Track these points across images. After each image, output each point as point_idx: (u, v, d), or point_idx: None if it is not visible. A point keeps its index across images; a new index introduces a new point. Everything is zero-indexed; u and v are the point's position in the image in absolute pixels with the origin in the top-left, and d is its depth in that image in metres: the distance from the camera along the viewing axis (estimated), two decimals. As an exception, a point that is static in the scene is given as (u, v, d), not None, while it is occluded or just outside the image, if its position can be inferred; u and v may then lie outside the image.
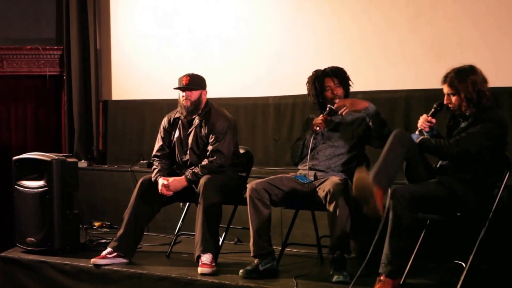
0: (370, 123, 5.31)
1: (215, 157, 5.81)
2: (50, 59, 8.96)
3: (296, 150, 5.69)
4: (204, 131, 5.93)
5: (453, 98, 4.81)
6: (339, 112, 5.34)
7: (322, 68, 5.68)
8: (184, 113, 5.99)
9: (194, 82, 5.94)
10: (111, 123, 8.91)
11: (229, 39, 7.99)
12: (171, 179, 5.81)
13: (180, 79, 5.97)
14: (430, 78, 6.34)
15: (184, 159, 6.01)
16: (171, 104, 8.09)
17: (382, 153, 4.73)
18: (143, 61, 8.61)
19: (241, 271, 5.29)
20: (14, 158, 6.60)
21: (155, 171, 5.96)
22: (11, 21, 8.89)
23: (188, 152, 5.99)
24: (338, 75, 5.61)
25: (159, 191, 5.81)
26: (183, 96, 5.96)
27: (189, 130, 6.01)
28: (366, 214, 4.64)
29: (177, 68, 8.12)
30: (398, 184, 4.79)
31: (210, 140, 5.88)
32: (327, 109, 5.53)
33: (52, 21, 9.09)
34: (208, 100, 6.05)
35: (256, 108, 7.61)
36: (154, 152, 6.16)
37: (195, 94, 5.93)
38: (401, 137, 4.76)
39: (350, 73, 5.71)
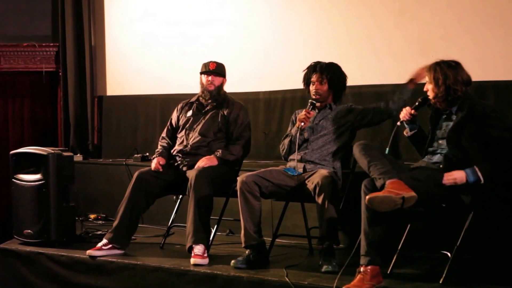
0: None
1: (242, 143, 6.08)
2: (46, 56, 9.00)
3: (284, 148, 5.79)
4: (223, 112, 6.15)
5: (429, 86, 4.88)
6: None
7: (313, 63, 5.78)
8: (208, 96, 6.19)
9: (220, 69, 6.19)
10: (106, 118, 8.95)
11: (220, 35, 8.02)
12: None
13: (206, 64, 6.18)
14: (416, 72, 6.47)
15: (190, 138, 6.15)
16: (164, 99, 8.23)
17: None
18: (137, 57, 8.64)
19: (232, 261, 5.36)
20: (11, 152, 6.63)
21: (156, 151, 6.24)
22: (7, 18, 8.92)
23: (197, 130, 6.15)
24: (325, 71, 5.69)
25: (152, 168, 6.01)
26: (207, 80, 6.16)
27: (203, 111, 6.22)
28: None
29: (170, 64, 8.26)
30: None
31: (238, 126, 6.12)
32: (309, 104, 5.66)
33: (48, 19, 9.12)
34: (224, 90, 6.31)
35: (246, 103, 7.44)
36: (162, 135, 6.41)
37: (218, 80, 6.18)
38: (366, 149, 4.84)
39: (337, 68, 5.82)
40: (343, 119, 5.67)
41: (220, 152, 5.97)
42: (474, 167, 4.64)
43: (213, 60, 6.23)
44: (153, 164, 6.08)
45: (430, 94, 4.90)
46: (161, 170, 6.04)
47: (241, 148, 6.08)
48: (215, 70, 6.15)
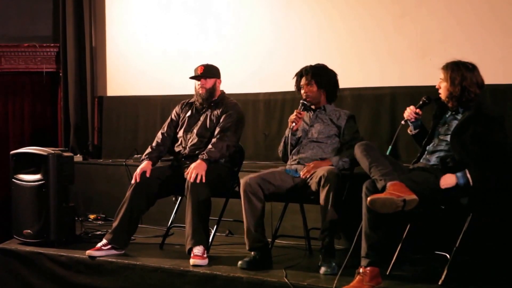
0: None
1: (224, 137, 6.00)
2: (46, 56, 9.01)
3: (281, 150, 5.84)
4: (216, 113, 6.14)
5: (442, 84, 4.90)
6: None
7: (311, 64, 5.82)
8: (200, 101, 6.22)
9: (208, 71, 6.19)
10: (106, 119, 8.95)
11: (221, 37, 8.03)
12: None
13: (196, 69, 6.20)
14: (415, 75, 6.45)
15: (188, 139, 6.16)
16: (165, 100, 8.24)
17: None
18: (137, 58, 8.64)
19: (239, 262, 5.36)
20: (12, 152, 6.65)
21: (147, 150, 6.21)
22: (8, 19, 8.93)
23: (194, 132, 6.15)
24: (310, 73, 5.76)
25: (138, 172, 5.98)
26: (198, 85, 6.20)
27: (201, 112, 6.23)
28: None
29: (170, 65, 8.26)
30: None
31: (221, 122, 6.07)
32: (300, 104, 5.72)
33: (49, 19, 9.12)
34: (223, 91, 6.31)
35: (247, 104, 7.60)
36: (160, 131, 6.37)
37: (209, 82, 6.19)
38: (368, 149, 4.85)
39: (337, 70, 5.84)
40: (339, 128, 5.71)
41: (205, 154, 5.91)
42: (465, 170, 4.67)
43: (204, 63, 6.25)
44: (139, 169, 6.03)
45: (443, 92, 4.91)
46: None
47: (224, 143, 5.99)
48: (203, 73, 6.18)
